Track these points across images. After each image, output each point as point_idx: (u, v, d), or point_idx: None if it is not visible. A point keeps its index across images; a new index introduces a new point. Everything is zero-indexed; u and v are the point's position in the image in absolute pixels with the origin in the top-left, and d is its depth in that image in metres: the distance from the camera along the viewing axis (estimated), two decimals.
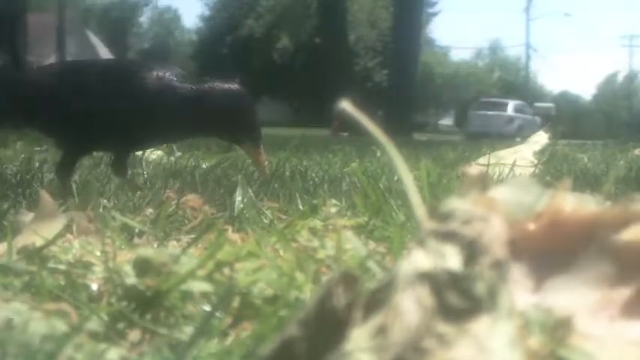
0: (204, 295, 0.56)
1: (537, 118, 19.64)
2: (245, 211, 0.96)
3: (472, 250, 0.36)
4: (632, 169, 2.33)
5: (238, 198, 1.04)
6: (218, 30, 31.37)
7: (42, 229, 0.74)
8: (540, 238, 0.43)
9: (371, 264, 0.58)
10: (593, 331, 0.38)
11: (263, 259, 0.63)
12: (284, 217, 1.00)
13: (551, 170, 2.08)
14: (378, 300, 0.34)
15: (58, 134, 1.46)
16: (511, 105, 19.64)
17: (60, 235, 0.70)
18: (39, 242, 0.69)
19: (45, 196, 0.79)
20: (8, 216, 0.93)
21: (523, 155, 2.25)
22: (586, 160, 3.18)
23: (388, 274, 0.35)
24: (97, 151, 1.62)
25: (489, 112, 18.69)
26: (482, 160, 2.19)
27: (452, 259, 0.35)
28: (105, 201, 1.13)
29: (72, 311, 0.52)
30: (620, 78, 45.57)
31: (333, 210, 0.98)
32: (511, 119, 18.66)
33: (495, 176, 1.67)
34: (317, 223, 0.86)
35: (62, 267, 0.63)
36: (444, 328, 0.32)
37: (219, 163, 2.11)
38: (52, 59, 18.32)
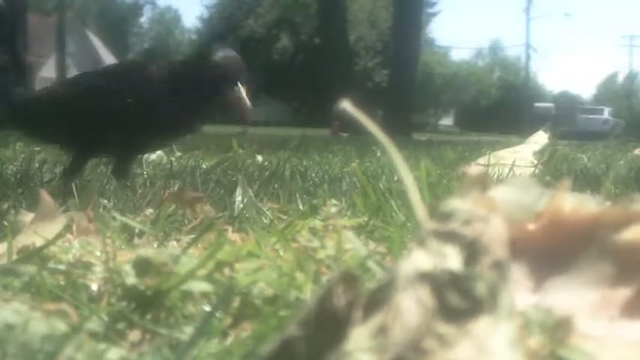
0: (204, 295, 0.56)
1: (622, 121, 26.08)
2: (245, 211, 0.96)
3: (472, 250, 0.36)
4: (632, 169, 2.33)
5: (238, 198, 1.04)
6: (218, 30, 31.36)
7: (42, 229, 0.74)
8: (540, 238, 0.43)
9: (371, 264, 0.58)
10: (593, 331, 0.38)
11: (263, 259, 0.63)
12: (284, 217, 1.00)
13: (551, 170, 2.07)
14: (378, 300, 0.34)
15: (66, 139, 1.49)
16: (606, 110, 26.05)
17: (60, 235, 0.70)
18: (39, 242, 0.69)
19: (45, 196, 0.79)
20: (8, 216, 0.93)
21: (523, 155, 2.25)
22: (586, 160, 3.17)
23: (388, 274, 0.35)
24: (103, 154, 1.63)
25: (590, 116, 24.67)
26: (482, 160, 2.19)
27: (452, 259, 0.35)
28: (105, 201, 1.13)
29: (72, 311, 0.52)
30: (620, 78, 45.61)
31: (333, 210, 0.98)
32: (606, 121, 24.51)
33: (495, 176, 1.67)
34: (317, 223, 0.85)
35: (62, 267, 0.63)
36: (444, 328, 0.32)
37: (219, 163, 2.11)
38: (52, 59, 18.33)
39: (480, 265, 0.35)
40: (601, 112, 25.97)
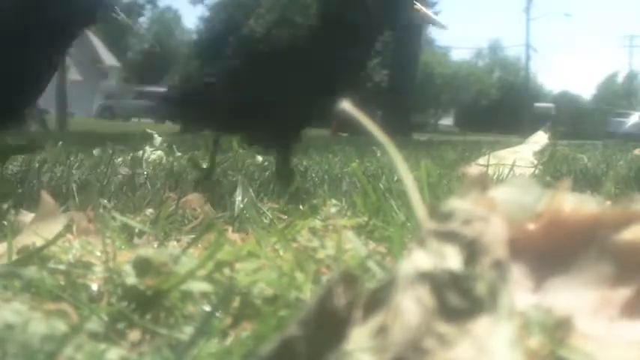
0: (204, 295, 0.56)
1: None
2: (245, 211, 0.96)
3: (472, 250, 0.35)
4: (632, 169, 2.33)
5: (238, 198, 1.04)
6: (218, 30, 31.32)
7: (42, 229, 0.74)
8: (540, 238, 0.43)
9: (371, 264, 0.58)
10: (593, 331, 0.38)
11: (263, 259, 0.63)
12: (284, 217, 1.00)
13: (551, 170, 2.07)
14: (378, 300, 0.34)
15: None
16: (637, 114, 27.58)
17: (60, 235, 0.70)
18: (39, 242, 0.69)
19: (45, 196, 0.79)
20: (8, 216, 0.93)
21: (523, 155, 2.25)
22: (586, 160, 3.17)
23: (388, 274, 0.35)
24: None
25: (622, 119, 26.40)
26: (482, 160, 2.19)
27: (452, 259, 0.35)
28: (105, 201, 1.13)
29: (72, 311, 0.52)
30: (620, 78, 45.62)
31: (333, 210, 0.98)
32: (637, 124, 26.18)
33: (495, 176, 1.67)
34: (317, 223, 0.85)
35: (62, 267, 0.63)
36: (444, 328, 0.32)
37: (219, 163, 2.11)
38: None
39: (480, 265, 0.35)
40: (630, 115, 28.87)
